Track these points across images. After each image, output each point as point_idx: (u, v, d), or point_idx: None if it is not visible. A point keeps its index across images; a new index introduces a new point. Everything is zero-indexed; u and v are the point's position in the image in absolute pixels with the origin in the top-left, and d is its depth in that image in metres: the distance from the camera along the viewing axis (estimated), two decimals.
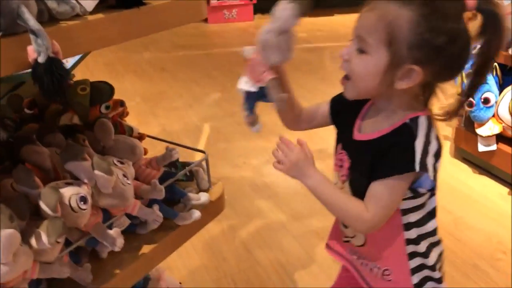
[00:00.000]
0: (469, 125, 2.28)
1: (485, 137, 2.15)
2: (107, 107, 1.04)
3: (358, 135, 0.92)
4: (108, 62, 4.07)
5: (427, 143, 0.83)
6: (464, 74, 2.45)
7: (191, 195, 1.05)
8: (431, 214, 0.94)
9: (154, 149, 1.24)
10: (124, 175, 0.88)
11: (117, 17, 0.78)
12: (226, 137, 2.77)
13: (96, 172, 0.81)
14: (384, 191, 0.84)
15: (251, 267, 1.76)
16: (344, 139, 0.96)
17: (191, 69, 3.96)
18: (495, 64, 2.21)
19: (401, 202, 0.88)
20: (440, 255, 1.01)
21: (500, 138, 2.17)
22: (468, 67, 2.74)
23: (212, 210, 1.12)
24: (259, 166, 2.46)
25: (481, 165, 2.36)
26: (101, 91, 1.03)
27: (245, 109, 0.93)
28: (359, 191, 0.88)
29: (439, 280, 1.00)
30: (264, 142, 2.72)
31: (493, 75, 2.18)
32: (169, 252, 1.03)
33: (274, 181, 2.30)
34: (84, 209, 0.81)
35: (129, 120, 1.03)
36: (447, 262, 1.83)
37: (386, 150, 0.84)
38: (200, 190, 1.12)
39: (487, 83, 2.15)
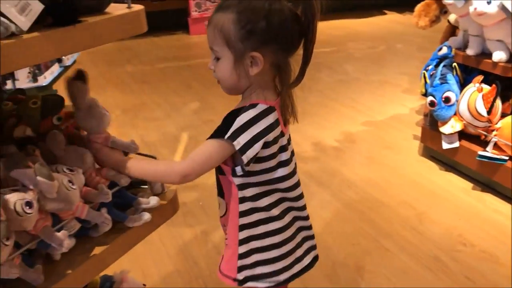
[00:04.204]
0: (434, 124, 2.36)
1: (448, 135, 2.23)
2: (58, 119, 1.10)
3: None
4: (91, 76, 4.08)
5: (250, 123, 0.96)
6: (426, 75, 2.52)
7: (141, 199, 1.11)
8: (267, 193, 1.06)
9: None
10: (70, 181, 0.94)
11: (52, 34, 0.84)
12: None
13: (38, 178, 0.87)
14: (202, 149, 1.00)
15: None
16: None
17: (171, 80, 4.03)
18: (455, 64, 2.28)
19: (236, 178, 1.02)
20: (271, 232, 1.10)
21: (462, 135, 2.25)
22: (431, 69, 2.83)
23: (165, 212, 1.18)
24: None
25: (447, 162, 2.43)
26: (52, 104, 1.10)
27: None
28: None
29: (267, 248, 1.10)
30: None
31: (453, 74, 2.26)
32: (122, 253, 1.09)
33: None
34: (30, 213, 0.86)
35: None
36: (408, 255, 1.90)
37: None
38: (153, 194, 1.19)
39: (447, 83, 2.22)
